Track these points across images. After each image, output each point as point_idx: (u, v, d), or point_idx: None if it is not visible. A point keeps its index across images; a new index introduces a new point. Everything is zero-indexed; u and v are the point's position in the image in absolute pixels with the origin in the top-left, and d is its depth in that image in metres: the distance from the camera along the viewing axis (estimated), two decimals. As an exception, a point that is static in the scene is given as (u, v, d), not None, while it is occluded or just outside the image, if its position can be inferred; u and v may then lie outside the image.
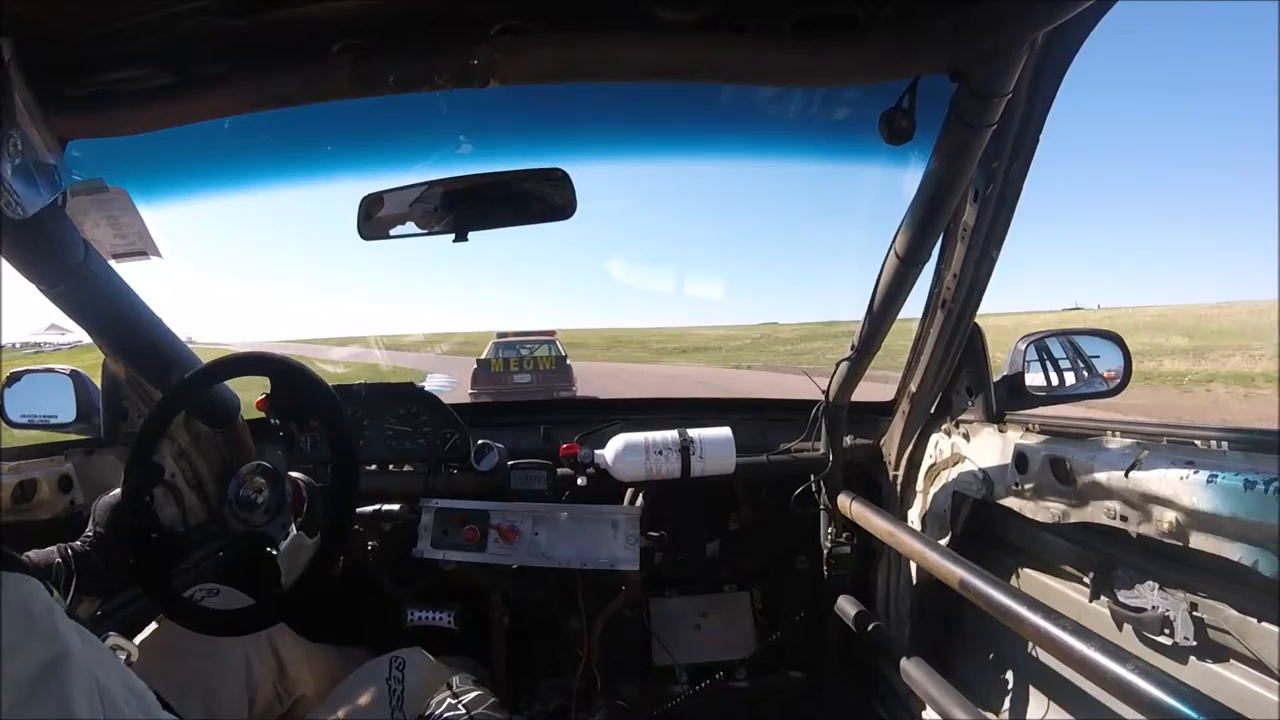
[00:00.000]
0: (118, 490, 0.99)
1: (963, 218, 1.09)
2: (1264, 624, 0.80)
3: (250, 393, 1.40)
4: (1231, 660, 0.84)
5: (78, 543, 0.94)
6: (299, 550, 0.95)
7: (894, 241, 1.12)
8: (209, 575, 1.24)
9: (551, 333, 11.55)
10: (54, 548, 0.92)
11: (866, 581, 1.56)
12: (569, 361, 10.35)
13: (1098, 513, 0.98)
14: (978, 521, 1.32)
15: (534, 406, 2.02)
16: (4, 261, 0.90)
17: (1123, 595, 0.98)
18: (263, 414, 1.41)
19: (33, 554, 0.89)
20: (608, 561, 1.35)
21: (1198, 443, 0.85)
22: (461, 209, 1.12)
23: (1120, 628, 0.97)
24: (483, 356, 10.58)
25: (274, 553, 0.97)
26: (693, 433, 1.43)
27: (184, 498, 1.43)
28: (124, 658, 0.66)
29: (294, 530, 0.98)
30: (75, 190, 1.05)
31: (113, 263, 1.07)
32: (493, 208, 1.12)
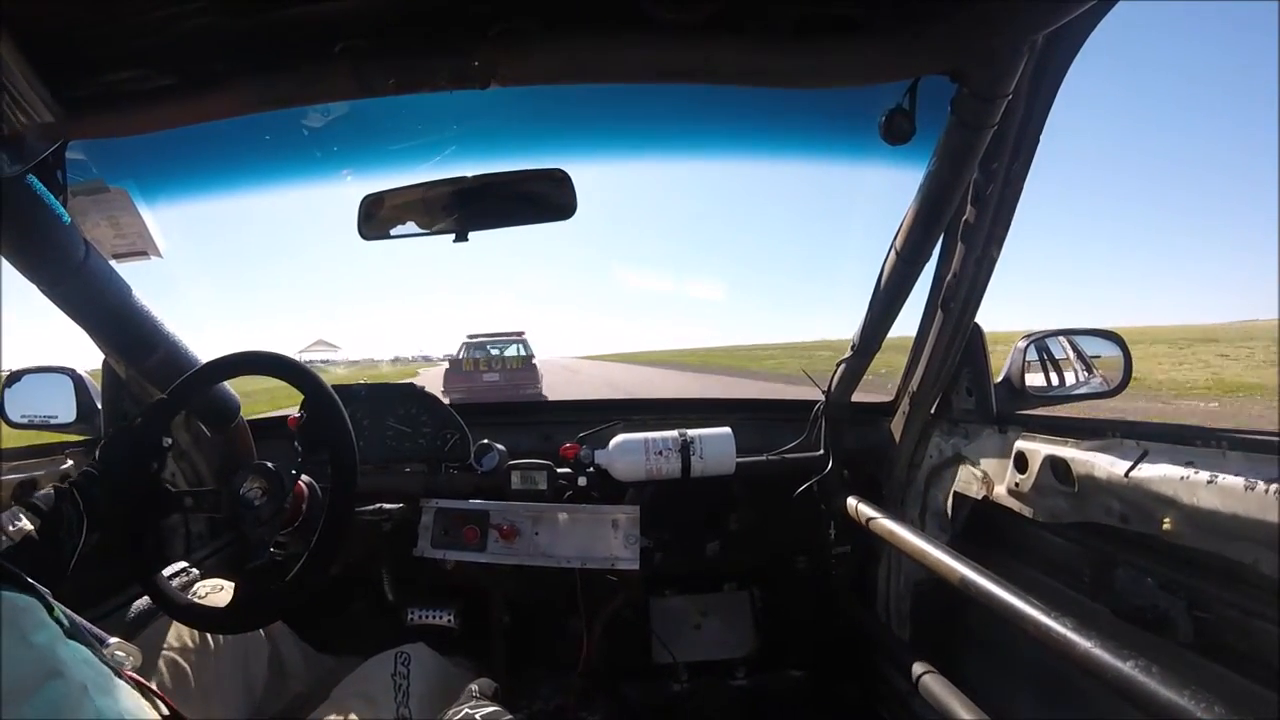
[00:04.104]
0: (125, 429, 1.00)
1: (963, 218, 1.09)
2: (1264, 624, 0.80)
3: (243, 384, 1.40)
4: (1231, 660, 0.84)
5: (78, 476, 0.95)
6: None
7: (894, 241, 1.12)
8: (210, 571, 1.25)
9: (521, 333, 12.06)
10: (50, 489, 0.92)
11: (867, 581, 1.56)
12: (535, 361, 10.86)
13: (1098, 513, 0.98)
14: (978, 521, 1.32)
15: (535, 408, 2.02)
16: (4, 261, 0.90)
17: (1123, 595, 0.98)
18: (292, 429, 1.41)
19: (37, 498, 0.89)
20: (608, 561, 1.36)
21: (1198, 443, 0.85)
22: (462, 209, 1.12)
23: (1121, 627, 0.97)
24: (455, 356, 11.00)
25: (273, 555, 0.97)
26: (693, 432, 1.43)
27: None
28: (128, 663, 0.66)
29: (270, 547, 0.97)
30: (76, 190, 1.05)
31: (113, 263, 1.07)
32: (493, 208, 1.12)
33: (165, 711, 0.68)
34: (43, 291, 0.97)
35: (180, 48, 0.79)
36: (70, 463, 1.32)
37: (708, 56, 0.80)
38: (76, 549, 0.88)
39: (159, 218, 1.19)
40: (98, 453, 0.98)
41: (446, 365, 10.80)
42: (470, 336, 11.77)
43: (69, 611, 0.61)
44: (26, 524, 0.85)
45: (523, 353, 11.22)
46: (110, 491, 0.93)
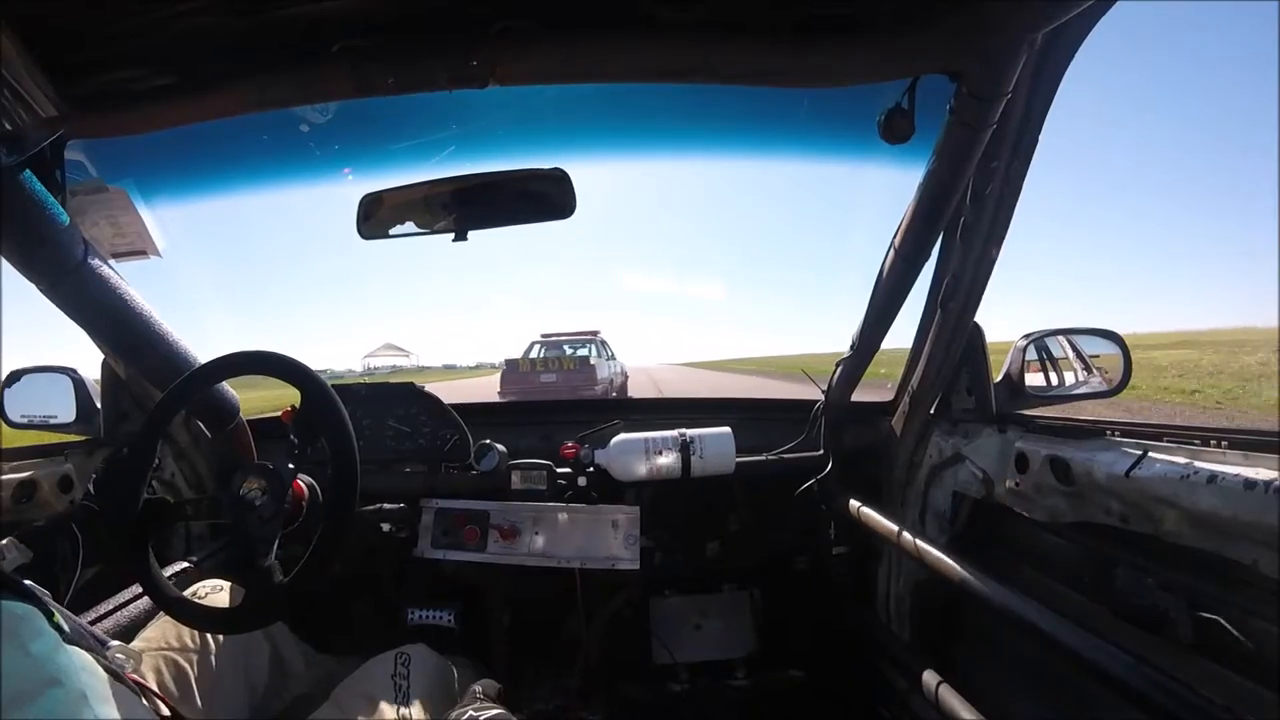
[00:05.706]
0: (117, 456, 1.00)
1: (962, 217, 1.09)
2: (1264, 624, 0.80)
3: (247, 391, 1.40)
4: (1231, 660, 0.84)
5: (74, 510, 0.95)
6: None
7: (894, 240, 1.12)
8: (209, 572, 1.25)
9: (595, 332, 11.95)
10: (45, 521, 0.92)
11: (866, 581, 1.56)
12: (591, 361, 10.78)
13: (1098, 512, 0.98)
14: (978, 521, 1.32)
15: (534, 408, 2.02)
16: (4, 261, 0.90)
17: (1123, 595, 0.98)
18: (286, 422, 1.40)
19: (33, 530, 0.89)
20: (608, 561, 1.36)
21: (1198, 443, 0.85)
22: (461, 208, 1.12)
23: (1121, 627, 0.97)
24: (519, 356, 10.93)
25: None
26: (692, 432, 1.43)
27: (183, 498, 1.43)
28: (128, 666, 0.66)
29: (276, 544, 0.96)
30: (74, 190, 1.05)
31: (112, 262, 1.07)
32: (492, 207, 1.12)
33: (166, 713, 0.68)
34: (42, 291, 0.97)
35: (180, 48, 0.79)
36: (70, 465, 1.32)
37: (708, 56, 0.80)
38: (72, 584, 0.88)
39: (157, 217, 1.19)
40: (91, 486, 0.98)
41: (504, 367, 10.76)
42: (544, 335, 11.79)
43: (69, 615, 0.61)
44: (20, 556, 0.85)
45: (592, 353, 11.20)
46: (107, 526, 0.94)
